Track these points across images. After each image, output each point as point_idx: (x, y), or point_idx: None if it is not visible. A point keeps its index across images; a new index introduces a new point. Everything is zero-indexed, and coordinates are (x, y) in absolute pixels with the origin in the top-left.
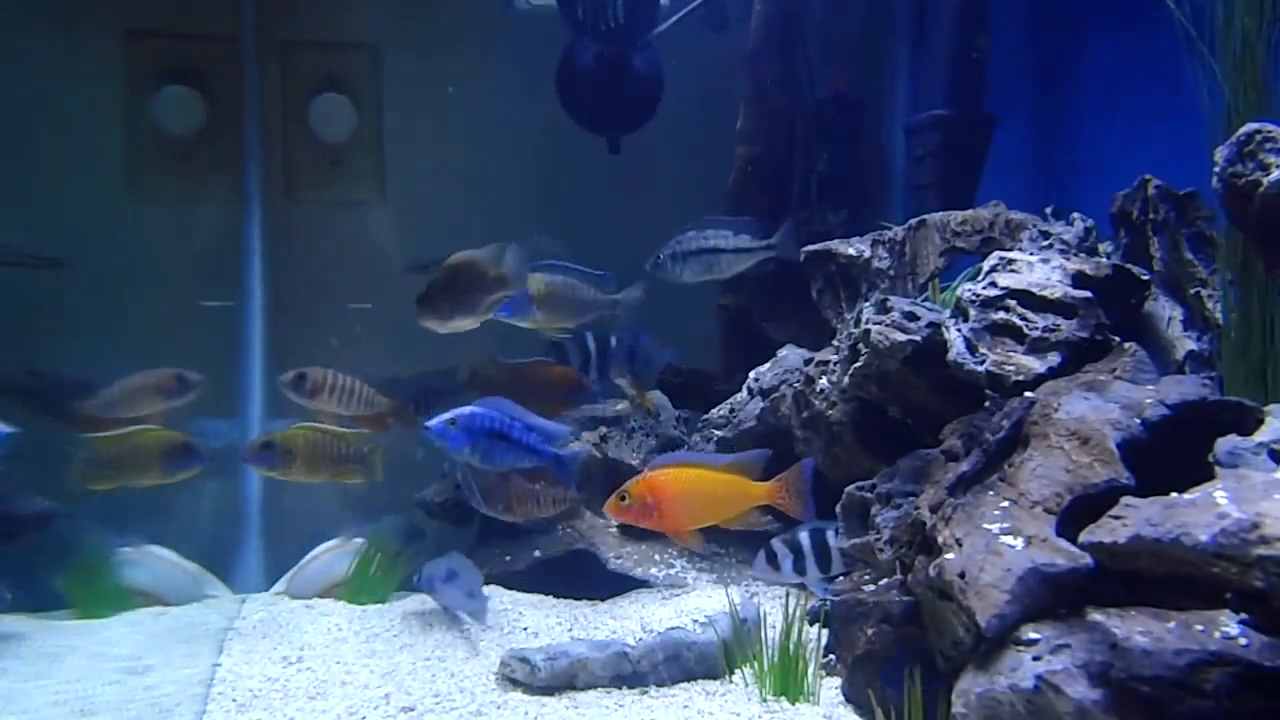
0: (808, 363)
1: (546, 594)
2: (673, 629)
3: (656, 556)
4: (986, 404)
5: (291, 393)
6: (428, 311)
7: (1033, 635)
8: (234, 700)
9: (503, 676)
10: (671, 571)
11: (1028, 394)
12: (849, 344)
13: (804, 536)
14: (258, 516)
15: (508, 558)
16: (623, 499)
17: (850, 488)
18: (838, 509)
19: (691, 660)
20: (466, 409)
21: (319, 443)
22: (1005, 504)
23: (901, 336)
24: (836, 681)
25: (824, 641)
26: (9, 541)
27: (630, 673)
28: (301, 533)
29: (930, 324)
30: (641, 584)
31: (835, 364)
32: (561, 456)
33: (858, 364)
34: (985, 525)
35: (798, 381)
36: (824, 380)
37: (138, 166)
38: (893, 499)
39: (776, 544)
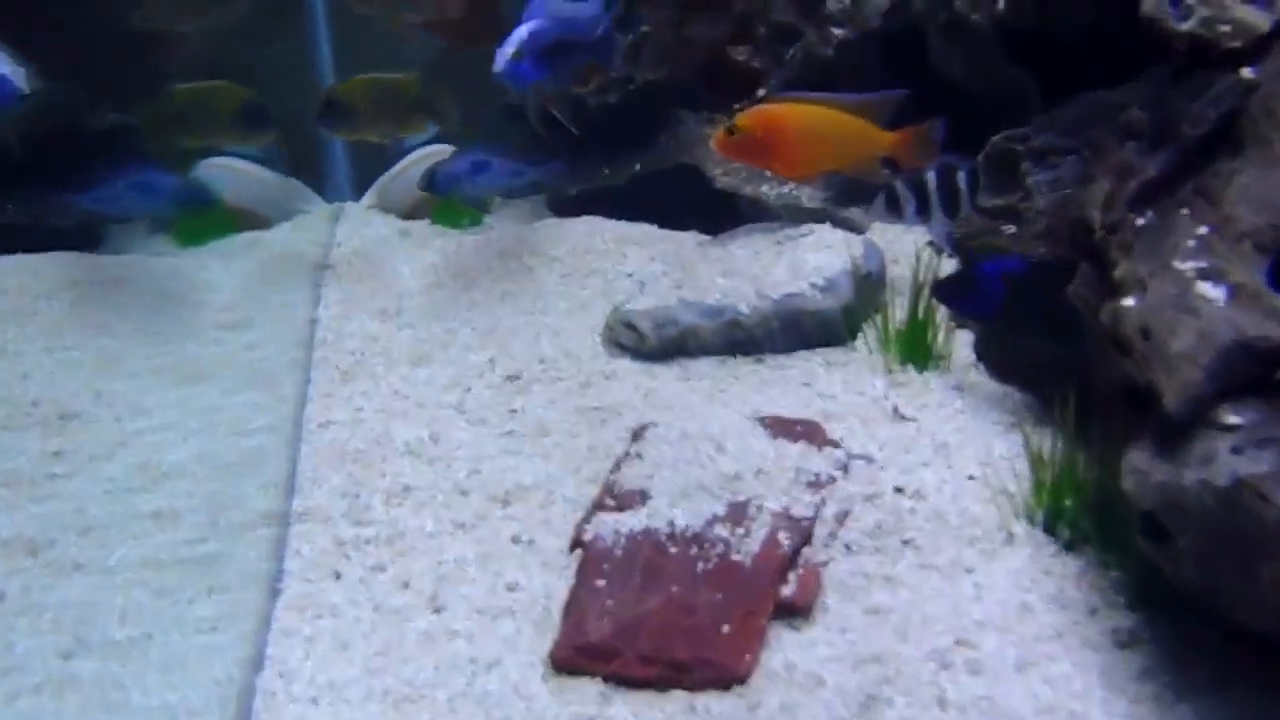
0: None
1: (649, 223)
2: (790, 295)
3: (767, 173)
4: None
5: None
6: None
7: (1233, 419)
8: (336, 367)
9: (609, 340)
10: (784, 190)
11: (1245, 72)
12: None
13: (930, 175)
14: None
15: (606, 170)
16: (731, 132)
17: (996, 138)
18: (979, 159)
19: (810, 326)
20: (523, 27)
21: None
22: (1203, 230)
23: None
24: (968, 338)
25: None
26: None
27: (744, 339)
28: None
29: None
30: (752, 208)
31: None
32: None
33: None
34: (1176, 263)
35: None
36: None
37: None
38: (1048, 155)
39: (899, 185)
